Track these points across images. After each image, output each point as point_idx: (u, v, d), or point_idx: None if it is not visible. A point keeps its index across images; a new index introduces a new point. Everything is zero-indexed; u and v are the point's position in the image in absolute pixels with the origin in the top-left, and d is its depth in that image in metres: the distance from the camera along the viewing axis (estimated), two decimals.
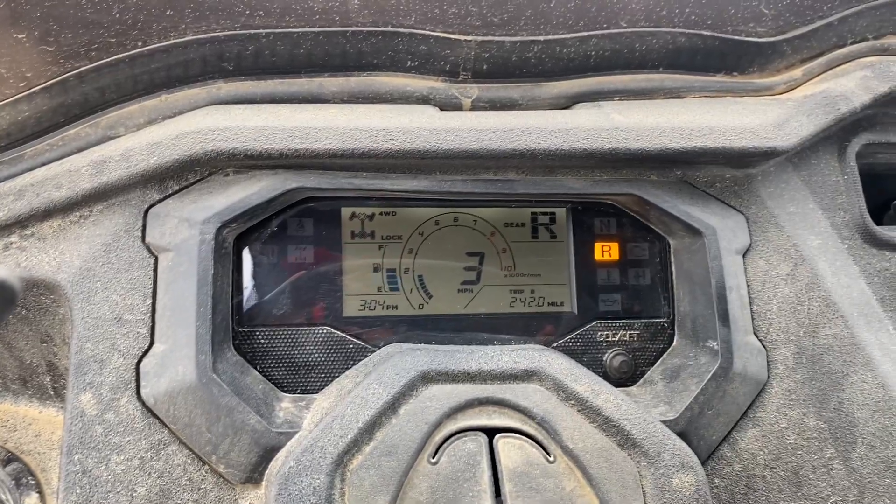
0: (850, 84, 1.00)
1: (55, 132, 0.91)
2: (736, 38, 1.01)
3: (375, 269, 0.93)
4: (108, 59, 0.90)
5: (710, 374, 0.88)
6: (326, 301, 0.90)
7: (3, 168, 0.89)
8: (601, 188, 0.91)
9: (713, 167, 0.95)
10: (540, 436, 0.79)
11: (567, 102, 0.99)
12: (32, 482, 0.89)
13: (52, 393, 0.92)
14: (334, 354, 0.88)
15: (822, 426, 0.90)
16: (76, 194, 0.82)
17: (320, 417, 0.78)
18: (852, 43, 1.05)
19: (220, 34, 0.91)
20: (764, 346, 0.92)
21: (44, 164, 0.88)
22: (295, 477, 0.72)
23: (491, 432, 0.79)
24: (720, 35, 1.01)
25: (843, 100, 0.98)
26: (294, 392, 0.86)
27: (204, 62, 0.92)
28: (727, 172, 0.96)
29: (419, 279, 0.94)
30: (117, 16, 0.88)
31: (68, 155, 0.89)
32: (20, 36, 0.86)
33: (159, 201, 0.84)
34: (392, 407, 0.77)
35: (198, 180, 0.85)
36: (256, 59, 0.93)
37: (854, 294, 0.95)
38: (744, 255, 0.94)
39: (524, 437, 0.79)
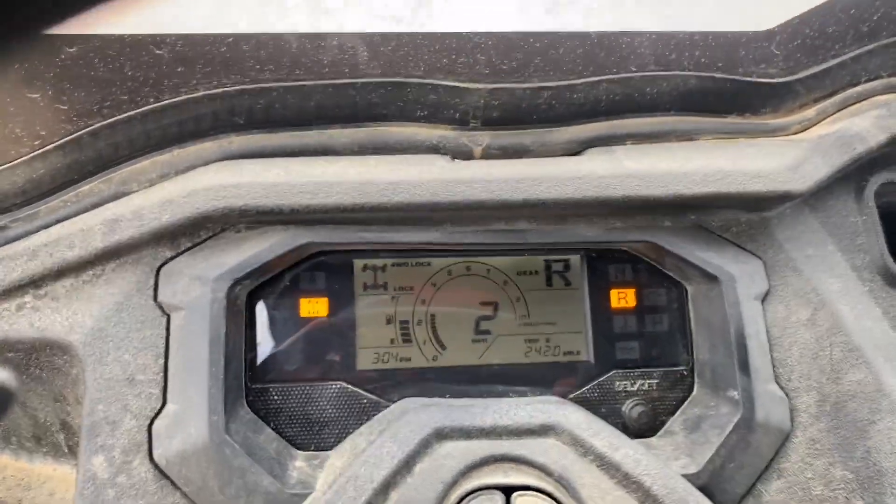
0: (865, 123, 0.99)
1: (69, 189, 0.91)
2: (747, 79, 1.00)
3: (388, 321, 0.92)
4: (121, 116, 0.90)
5: (731, 425, 0.86)
6: (340, 354, 0.90)
7: (18, 225, 0.90)
8: (615, 236, 0.91)
9: (728, 211, 0.94)
10: (558, 493, 0.78)
11: (578, 147, 0.98)
12: None
13: (66, 451, 0.92)
14: (348, 410, 0.87)
15: (850, 476, 0.88)
16: (89, 253, 0.82)
17: (334, 478, 0.77)
18: (866, 81, 1.04)
19: (230, 89, 0.91)
20: (786, 394, 0.90)
21: (58, 222, 0.88)
22: None
23: (508, 490, 0.77)
24: (731, 77, 1.00)
25: (859, 139, 0.96)
26: (308, 448, 0.85)
27: (215, 117, 0.92)
28: (742, 216, 0.95)
29: (432, 330, 0.93)
30: (129, 73, 0.89)
31: (82, 212, 0.89)
32: (34, 96, 0.87)
33: (171, 259, 0.84)
34: (406, 465, 0.76)
35: (210, 237, 0.85)
36: (267, 113, 0.93)
37: (877, 337, 0.93)
38: (762, 301, 0.92)
39: (542, 495, 0.77)
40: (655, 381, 0.93)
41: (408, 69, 0.94)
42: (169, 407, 0.79)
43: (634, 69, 0.97)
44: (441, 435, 0.78)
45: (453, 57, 0.94)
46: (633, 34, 0.96)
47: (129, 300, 0.82)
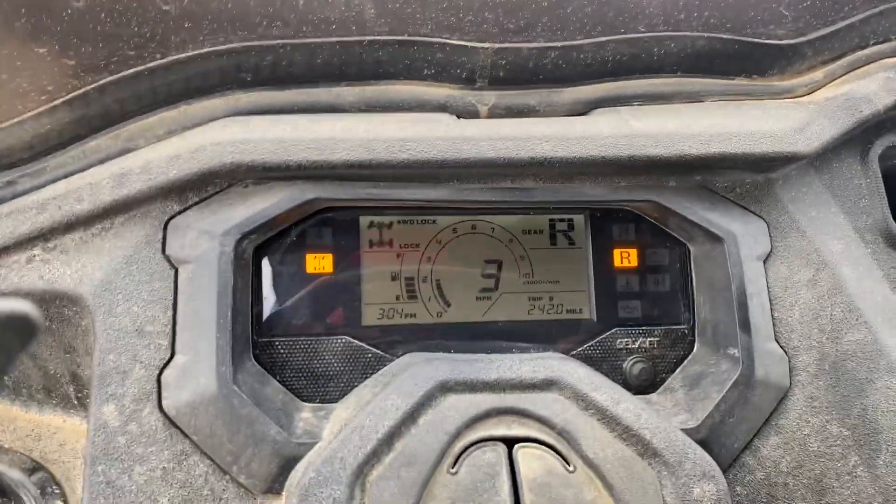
0: (873, 86, 0.98)
1: (76, 144, 0.92)
2: (755, 40, 1.00)
3: (394, 278, 0.93)
4: (128, 72, 0.90)
5: (731, 382, 0.87)
6: (345, 310, 0.91)
7: (26, 181, 0.90)
8: (620, 195, 0.91)
9: (733, 172, 0.94)
10: (560, 445, 0.79)
11: (584, 108, 0.98)
12: (57, 491, 0.90)
13: (76, 402, 0.93)
14: (353, 364, 0.89)
15: (846, 433, 0.89)
16: (97, 207, 0.83)
17: (340, 428, 0.78)
18: (875, 44, 1.04)
19: (237, 45, 0.91)
20: (786, 352, 0.91)
21: (65, 177, 0.89)
22: (315, 488, 0.73)
23: (510, 442, 0.79)
24: (739, 38, 0.99)
25: (866, 102, 0.96)
26: (313, 401, 0.87)
27: (222, 73, 0.92)
28: (747, 177, 0.95)
29: (437, 287, 0.94)
30: (136, 29, 0.88)
31: (89, 167, 0.89)
32: (41, 50, 0.87)
33: (179, 213, 0.84)
34: (411, 417, 0.78)
35: (217, 192, 0.85)
36: (274, 70, 0.93)
37: (878, 299, 0.93)
38: (765, 261, 0.93)
39: (544, 447, 0.79)
40: (656, 339, 0.95)
41: (415, 27, 0.93)
42: (178, 358, 0.80)
43: (643, 29, 0.97)
44: (445, 388, 0.80)
45: (461, 15, 0.93)
46: None
47: (138, 253, 0.83)
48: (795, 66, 1.03)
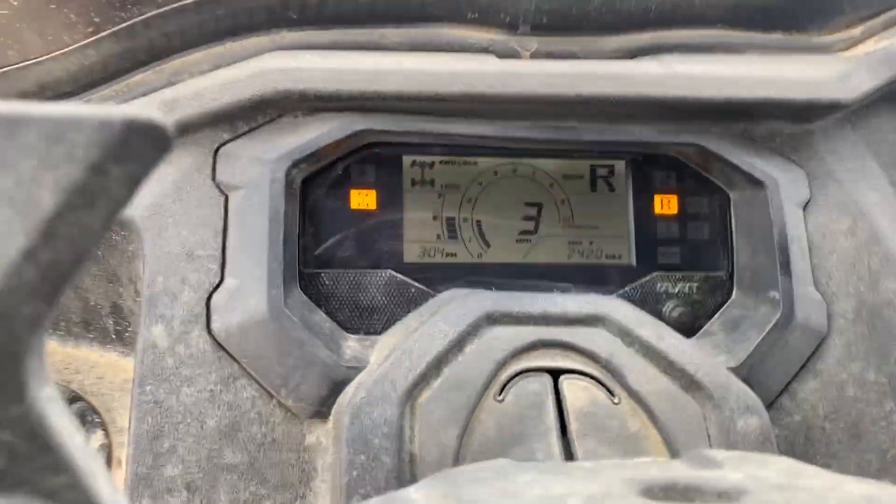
0: None
1: (121, 78, 0.92)
2: None
3: (435, 217, 0.94)
4: (175, 5, 0.89)
5: (771, 324, 0.88)
6: (388, 246, 0.91)
7: None
8: (664, 137, 0.92)
9: (774, 122, 0.95)
10: (605, 378, 0.80)
11: (626, 56, 0.98)
12: (98, 421, 0.91)
13: (113, 336, 0.94)
14: (397, 297, 0.89)
15: (883, 380, 0.90)
16: None
17: (388, 353, 0.79)
18: None
19: None
20: (824, 298, 0.91)
21: None
22: (366, 408, 0.73)
23: (556, 373, 0.79)
24: None
25: None
26: (358, 333, 0.87)
27: (269, 11, 0.92)
28: (787, 128, 0.96)
29: (478, 228, 0.94)
30: None
31: (134, 99, 0.90)
32: None
33: (229, 141, 0.85)
34: (458, 345, 0.78)
35: (268, 121, 0.86)
36: (320, 9, 0.93)
37: None
38: (804, 209, 0.93)
39: (589, 379, 0.79)
40: (696, 284, 0.95)
41: None
42: (228, 281, 0.80)
43: None
44: (492, 319, 0.80)
45: None
46: None
47: (188, 179, 0.83)
48: (834, 21, 1.03)
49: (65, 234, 0.28)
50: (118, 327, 0.93)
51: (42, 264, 0.28)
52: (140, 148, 0.31)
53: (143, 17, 0.90)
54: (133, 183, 0.31)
